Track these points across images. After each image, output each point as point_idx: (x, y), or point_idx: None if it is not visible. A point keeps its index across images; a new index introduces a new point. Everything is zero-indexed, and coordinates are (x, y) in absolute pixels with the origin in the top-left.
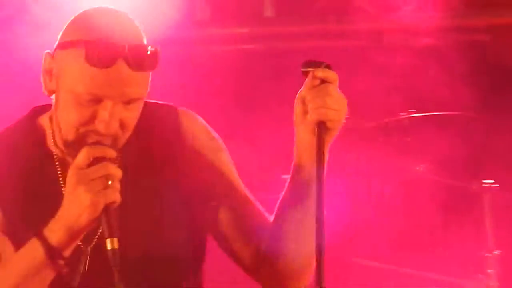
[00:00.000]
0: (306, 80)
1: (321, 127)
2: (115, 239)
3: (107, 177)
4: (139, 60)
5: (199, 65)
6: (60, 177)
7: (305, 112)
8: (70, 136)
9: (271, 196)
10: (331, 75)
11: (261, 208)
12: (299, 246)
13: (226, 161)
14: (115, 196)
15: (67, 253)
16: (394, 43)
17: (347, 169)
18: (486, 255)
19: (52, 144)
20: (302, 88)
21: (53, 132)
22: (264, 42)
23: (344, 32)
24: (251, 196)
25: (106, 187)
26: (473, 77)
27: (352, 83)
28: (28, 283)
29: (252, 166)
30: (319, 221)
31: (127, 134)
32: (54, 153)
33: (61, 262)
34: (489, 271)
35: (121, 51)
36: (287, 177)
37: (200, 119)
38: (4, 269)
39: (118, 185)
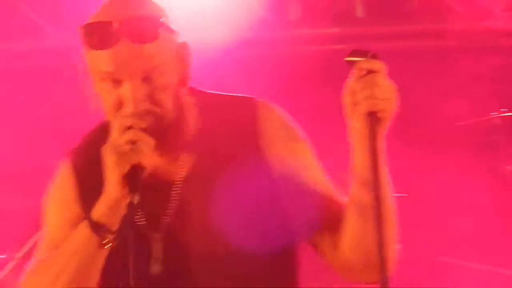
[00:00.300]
0: (353, 70)
1: (372, 118)
2: (136, 195)
3: (132, 141)
4: (138, 33)
5: (290, 65)
6: None
7: (355, 103)
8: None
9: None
10: (377, 65)
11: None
12: (367, 234)
13: (304, 150)
14: (138, 158)
15: (112, 227)
16: (486, 43)
17: (436, 168)
18: None
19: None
20: (349, 79)
21: None
22: (355, 42)
23: (435, 32)
24: (332, 184)
25: (131, 150)
26: None
27: (443, 83)
28: (80, 264)
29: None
30: (378, 214)
31: (166, 109)
32: None
33: (108, 236)
34: None
35: (117, 28)
36: None
37: (279, 110)
38: (58, 250)
39: (145, 149)
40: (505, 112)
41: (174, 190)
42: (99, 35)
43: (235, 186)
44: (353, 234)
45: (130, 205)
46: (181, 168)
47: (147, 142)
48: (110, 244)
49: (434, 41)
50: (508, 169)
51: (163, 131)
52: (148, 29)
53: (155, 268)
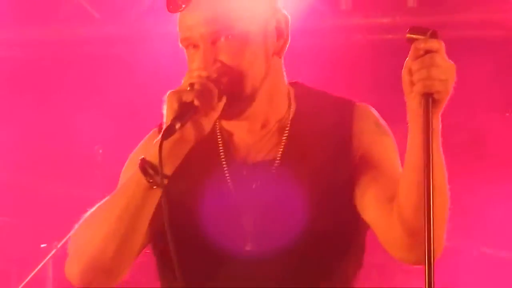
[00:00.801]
0: (411, 49)
1: (428, 99)
2: (178, 123)
3: (192, 84)
4: None
5: (342, 54)
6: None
7: (412, 83)
8: None
9: None
10: (435, 44)
11: None
12: (416, 214)
13: (391, 153)
14: (192, 97)
15: (167, 170)
16: None
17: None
18: None
19: None
20: (408, 57)
21: None
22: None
23: (487, 21)
24: None
25: (189, 90)
26: None
27: (497, 73)
28: (128, 207)
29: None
30: (428, 192)
31: (236, 73)
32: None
33: (157, 178)
34: None
35: None
36: None
37: (373, 111)
38: (109, 196)
39: (205, 92)
40: None
41: (266, 170)
42: None
43: (323, 178)
44: (413, 196)
45: (171, 127)
46: (274, 150)
47: (208, 87)
48: (157, 186)
49: (485, 31)
50: None
51: (242, 96)
52: None
53: (249, 247)
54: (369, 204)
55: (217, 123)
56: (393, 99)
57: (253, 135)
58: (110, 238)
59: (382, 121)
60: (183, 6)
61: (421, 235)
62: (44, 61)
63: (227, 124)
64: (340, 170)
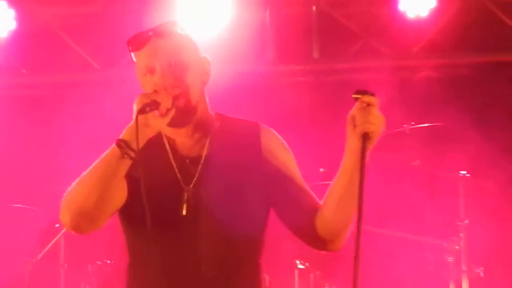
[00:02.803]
0: (356, 103)
1: (365, 137)
2: (143, 115)
3: (154, 90)
4: (162, 33)
5: (267, 92)
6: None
7: (355, 126)
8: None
9: (311, 184)
10: (373, 100)
11: (311, 191)
12: (339, 217)
13: (291, 159)
14: (154, 96)
15: (132, 144)
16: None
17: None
18: (458, 223)
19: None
20: (352, 109)
21: None
22: (312, 76)
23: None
24: (305, 183)
25: (152, 92)
26: None
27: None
28: (104, 172)
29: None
30: (360, 204)
31: (188, 91)
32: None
33: (128, 151)
34: (460, 234)
35: (149, 34)
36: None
37: (274, 131)
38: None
39: (163, 96)
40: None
41: (200, 162)
42: (137, 39)
43: (240, 172)
44: (336, 201)
45: (143, 108)
46: (204, 149)
47: (166, 93)
48: (129, 156)
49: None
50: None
51: (188, 108)
52: (166, 31)
53: (185, 211)
54: (291, 211)
55: (163, 134)
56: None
57: (189, 139)
58: (93, 192)
59: (281, 138)
60: (142, 47)
61: (335, 235)
62: (50, 99)
63: (170, 133)
64: (251, 169)
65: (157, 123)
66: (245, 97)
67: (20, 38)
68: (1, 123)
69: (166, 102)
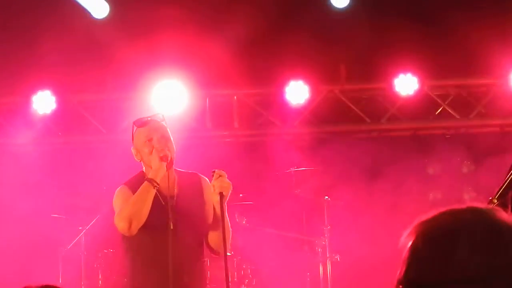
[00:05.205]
0: (214, 176)
1: (221, 195)
2: (165, 165)
3: (163, 148)
4: (155, 119)
5: (209, 151)
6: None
7: (215, 188)
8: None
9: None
10: (223, 173)
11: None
12: (219, 238)
13: (213, 196)
14: (166, 153)
15: (157, 180)
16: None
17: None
18: (324, 228)
19: (145, 171)
20: (212, 179)
21: (145, 168)
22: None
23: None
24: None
25: (164, 150)
26: None
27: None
28: (140, 199)
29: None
30: (223, 230)
31: (171, 154)
32: (146, 175)
33: (155, 184)
34: (325, 234)
35: (146, 118)
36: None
37: (206, 178)
38: (132, 197)
39: (169, 153)
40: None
41: (175, 196)
42: (141, 121)
43: (195, 201)
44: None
45: (171, 161)
46: (175, 189)
47: (168, 153)
48: (156, 187)
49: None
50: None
51: (171, 160)
52: (158, 119)
53: (170, 222)
54: (210, 228)
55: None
56: (241, 180)
57: (167, 180)
58: (143, 208)
59: (208, 181)
60: (145, 125)
61: (217, 247)
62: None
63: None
64: (200, 198)
65: (164, 171)
66: (192, 153)
67: (57, 113)
68: (45, 168)
69: (170, 156)
